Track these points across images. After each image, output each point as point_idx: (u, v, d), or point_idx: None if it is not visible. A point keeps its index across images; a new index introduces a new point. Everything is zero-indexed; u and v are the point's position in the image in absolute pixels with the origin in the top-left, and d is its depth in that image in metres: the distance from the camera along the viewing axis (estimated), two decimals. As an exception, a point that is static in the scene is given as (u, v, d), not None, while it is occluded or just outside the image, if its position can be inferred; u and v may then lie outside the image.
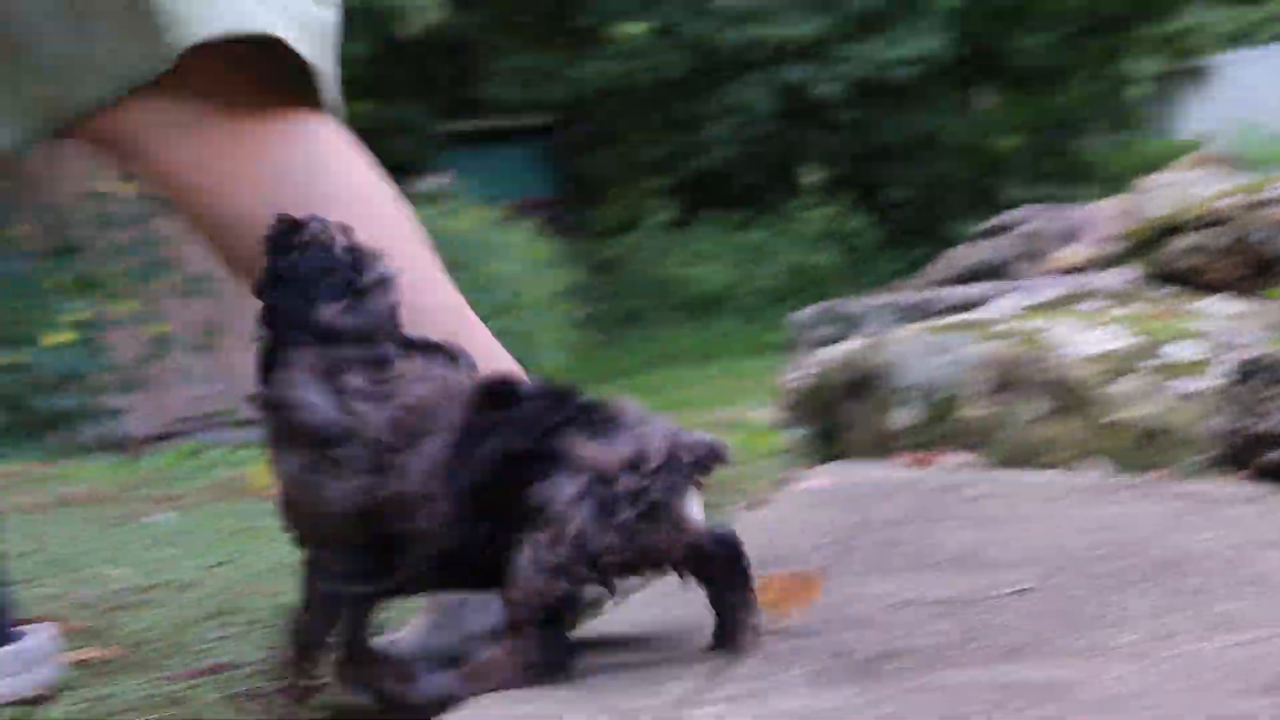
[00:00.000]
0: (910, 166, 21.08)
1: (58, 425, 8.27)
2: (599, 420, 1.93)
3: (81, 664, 2.45)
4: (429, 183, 14.19)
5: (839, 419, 3.73)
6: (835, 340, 4.61)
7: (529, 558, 1.88)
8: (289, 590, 2.97)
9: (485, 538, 1.93)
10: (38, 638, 2.33)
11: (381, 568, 2.03)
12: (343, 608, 2.07)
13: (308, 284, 2.10)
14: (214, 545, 3.48)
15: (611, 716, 1.57)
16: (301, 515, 2.09)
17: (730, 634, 1.95)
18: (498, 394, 2.01)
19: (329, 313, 2.09)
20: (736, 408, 6.75)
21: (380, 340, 2.08)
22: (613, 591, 1.94)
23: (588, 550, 1.86)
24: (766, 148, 20.99)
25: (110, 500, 4.25)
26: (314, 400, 2.06)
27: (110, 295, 8.99)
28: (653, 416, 1.96)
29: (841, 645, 1.85)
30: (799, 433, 3.78)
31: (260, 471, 4.40)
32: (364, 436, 2.02)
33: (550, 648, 1.89)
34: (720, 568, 1.97)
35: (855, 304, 5.57)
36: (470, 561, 1.96)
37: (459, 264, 12.60)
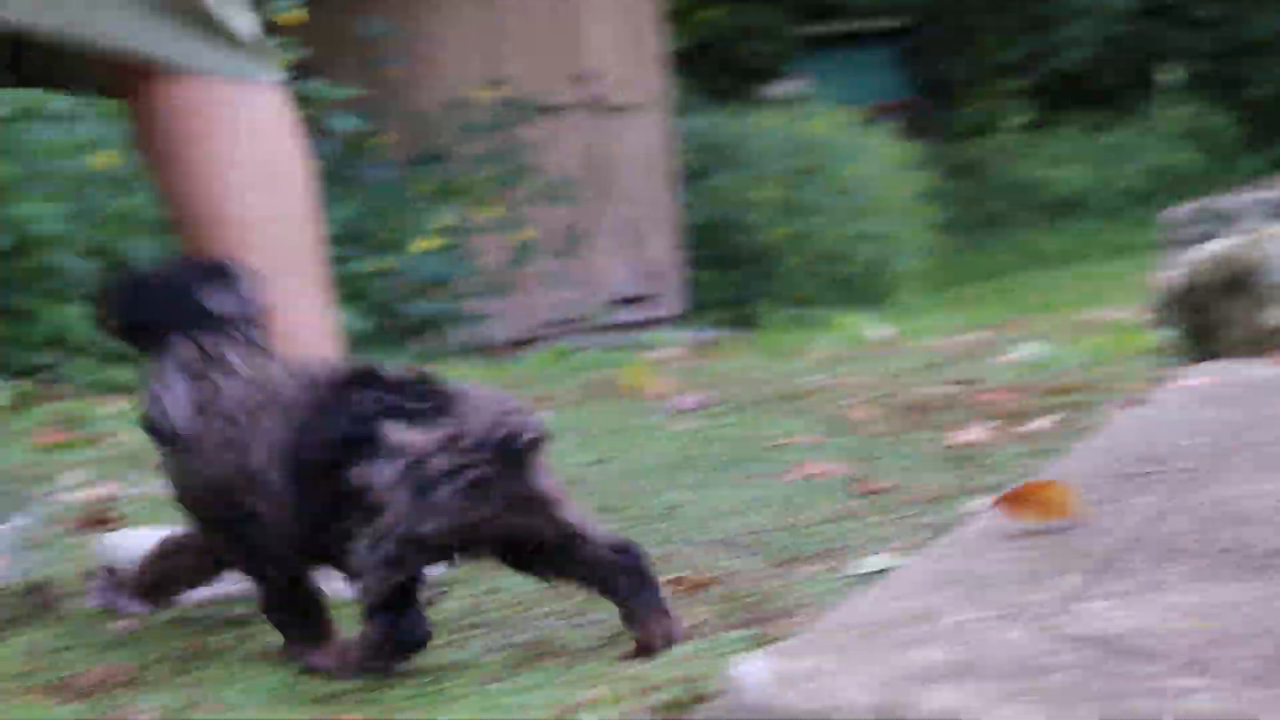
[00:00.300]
0: (1274, 63, 20.41)
1: (425, 330, 8.46)
2: (428, 404, 1.96)
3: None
4: (786, 87, 14.15)
5: (1212, 318, 3.64)
6: (1208, 238, 4.50)
7: (362, 553, 1.94)
8: (667, 488, 3.02)
9: (322, 521, 1.99)
10: None
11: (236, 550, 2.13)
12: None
13: (178, 281, 2.22)
14: (591, 443, 3.53)
15: (998, 609, 1.56)
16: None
17: (642, 644, 1.99)
18: (346, 381, 2.05)
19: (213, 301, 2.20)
20: (1102, 309, 6.62)
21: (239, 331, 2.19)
22: (455, 565, 2.02)
23: (413, 536, 1.91)
24: (1124, 47, 20.50)
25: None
26: (169, 396, 2.16)
27: (475, 202, 9.15)
28: (492, 396, 1.98)
29: (1231, 542, 1.80)
30: (1170, 332, 3.70)
31: (631, 372, 4.45)
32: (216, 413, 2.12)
33: (407, 627, 1.96)
34: (622, 576, 2.00)
35: (1230, 201, 5.42)
36: (317, 542, 2.03)
37: (816, 168, 12.56)
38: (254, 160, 2.44)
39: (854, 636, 1.50)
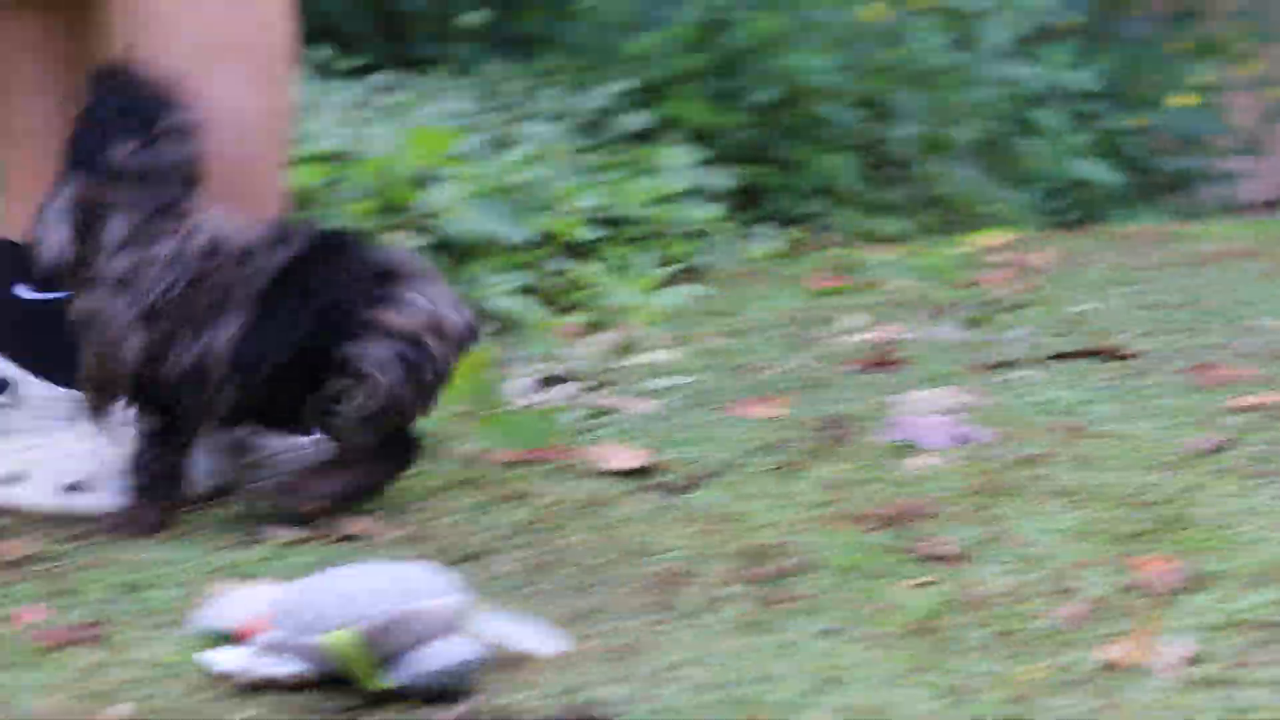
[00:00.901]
0: None
1: (1177, 187, 8.31)
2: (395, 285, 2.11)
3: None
4: None
5: None
6: None
7: (347, 410, 2.10)
8: None
9: (282, 391, 2.11)
10: None
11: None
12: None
13: (104, 124, 2.13)
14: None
15: None
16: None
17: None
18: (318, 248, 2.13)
19: (114, 152, 2.12)
20: None
21: (167, 186, 2.12)
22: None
23: (398, 406, 2.10)
24: None
25: (1251, 255, 4.24)
26: (52, 236, 2.12)
27: (1232, 58, 8.90)
28: (443, 287, 2.14)
29: None
30: None
31: None
32: (132, 287, 2.11)
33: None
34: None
35: None
36: (266, 411, 2.15)
37: None
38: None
39: None
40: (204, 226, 2.15)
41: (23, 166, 2.43)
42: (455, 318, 2.15)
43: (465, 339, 2.17)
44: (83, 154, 2.15)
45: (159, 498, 2.18)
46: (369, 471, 2.18)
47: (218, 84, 2.24)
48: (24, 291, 2.40)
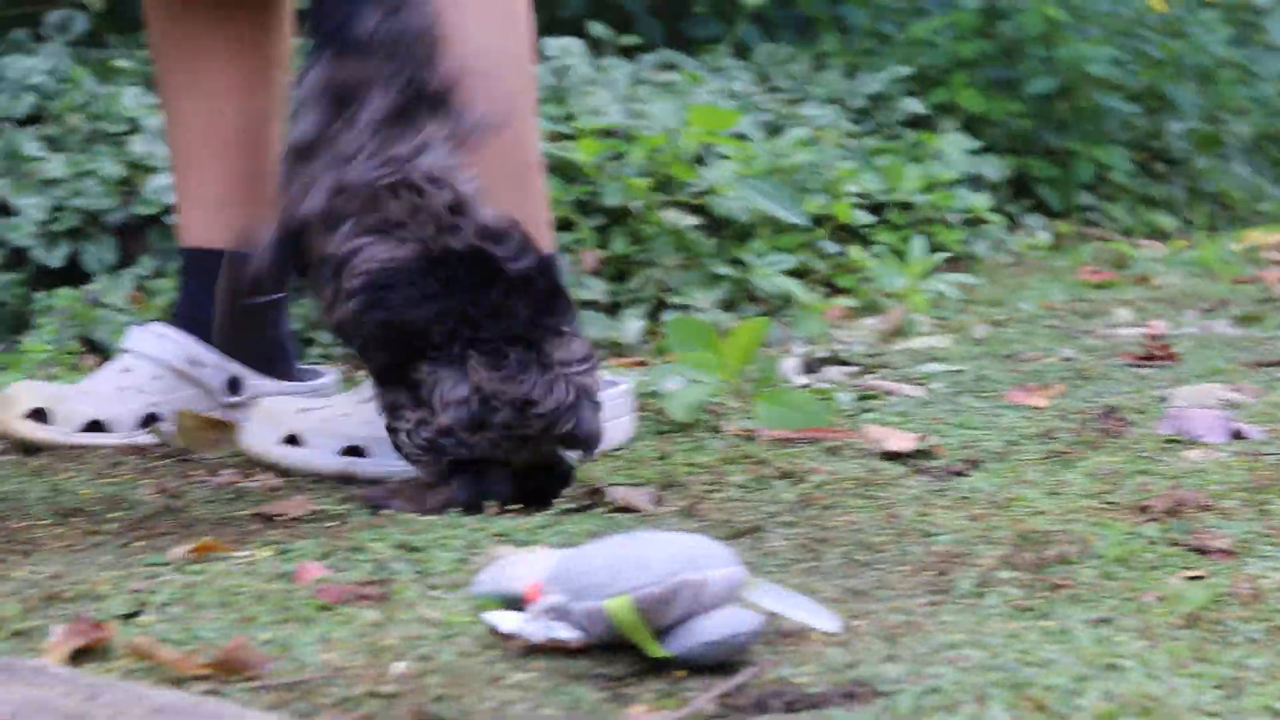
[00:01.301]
0: None
1: None
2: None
3: None
4: None
5: None
6: None
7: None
8: None
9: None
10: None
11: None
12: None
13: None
14: None
15: None
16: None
17: None
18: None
19: (361, 22, 2.07)
20: None
21: (415, 59, 2.08)
22: None
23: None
24: None
25: None
26: (306, 118, 2.09)
27: None
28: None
29: None
30: None
31: None
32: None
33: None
34: None
35: None
36: None
37: None
38: None
39: None
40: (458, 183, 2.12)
41: (206, 174, 2.49)
42: (553, 407, 2.07)
43: (537, 433, 2.09)
44: (329, 27, 2.11)
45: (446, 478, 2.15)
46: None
47: (473, 26, 2.28)
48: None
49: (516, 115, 2.32)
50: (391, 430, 2.12)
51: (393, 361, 2.09)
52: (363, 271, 2.06)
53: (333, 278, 2.09)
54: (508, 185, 2.30)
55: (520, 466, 2.13)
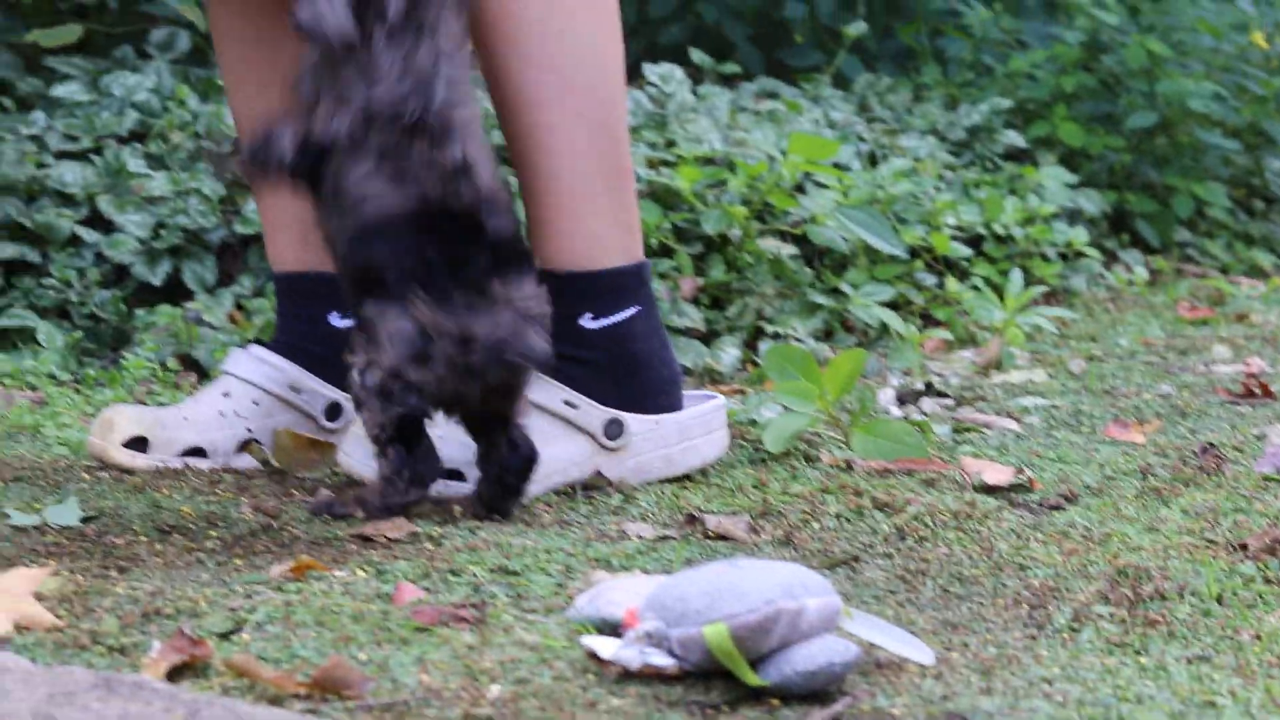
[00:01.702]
0: None
1: None
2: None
3: None
4: None
5: None
6: None
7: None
8: None
9: None
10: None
11: None
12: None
13: None
14: None
15: None
16: None
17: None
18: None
19: None
20: None
21: None
22: None
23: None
24: None
25: None
26: (331, 15, 2.07)
27: None
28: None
29: None
30: None
31: None
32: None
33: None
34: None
35: None
36: None
37: None
38: None
39: None
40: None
41: (279, 201, 2.50)
42: (498, 336, 2.12)
43: (482, 363, 2.12)
44: None
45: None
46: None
47: (580, 21, 2.33)
48: (337, 320, 2.49)
49: (614, 117, 2.38)
50: (346, 367, 2.17)
51: (356, 298, 2.17)
52: (369, 214, 2.13)
53: (335, 202, 2.16)
54: (604, 186, 2.35)
55: (477, 417, 2.19)
